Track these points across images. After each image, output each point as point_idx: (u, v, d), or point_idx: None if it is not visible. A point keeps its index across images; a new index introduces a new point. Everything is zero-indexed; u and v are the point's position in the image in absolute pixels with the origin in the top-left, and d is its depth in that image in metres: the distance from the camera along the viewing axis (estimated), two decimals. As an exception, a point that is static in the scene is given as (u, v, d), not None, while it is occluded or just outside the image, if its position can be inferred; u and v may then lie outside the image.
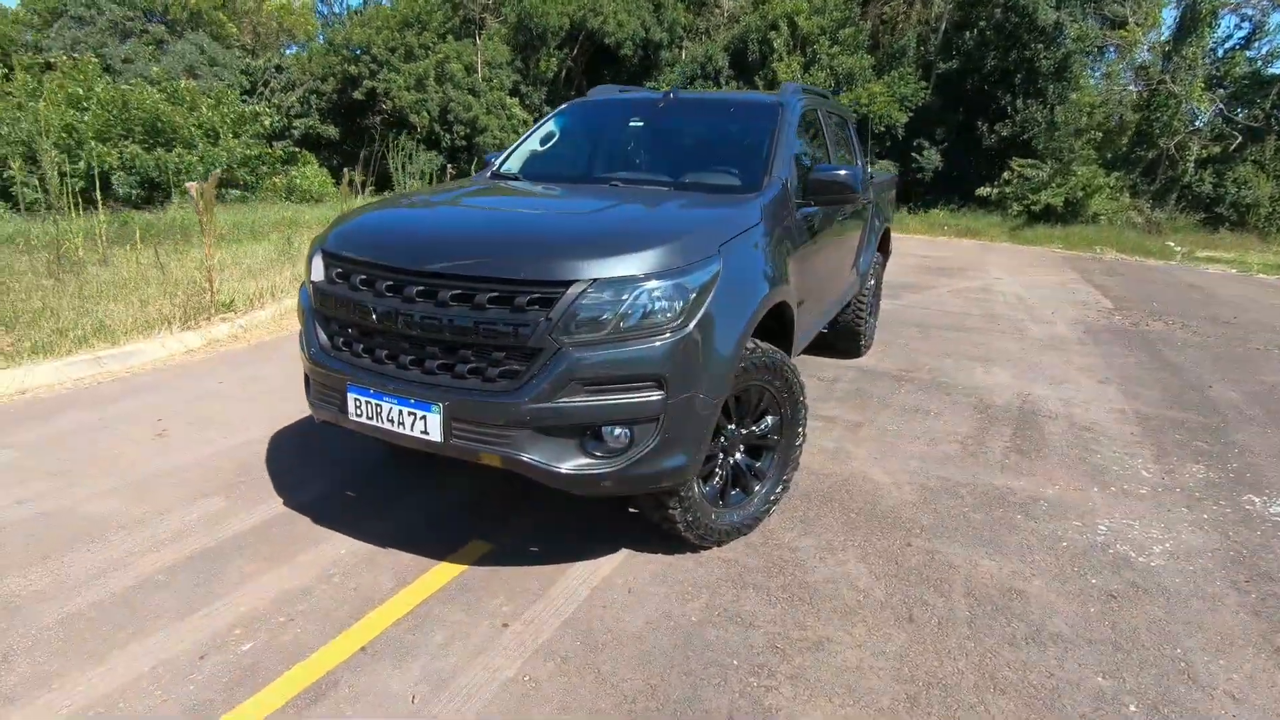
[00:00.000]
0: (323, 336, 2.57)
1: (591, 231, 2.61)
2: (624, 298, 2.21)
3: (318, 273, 2.60)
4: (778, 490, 3.00)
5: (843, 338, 5.34)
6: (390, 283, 2.35)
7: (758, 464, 2.97)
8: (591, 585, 2.58)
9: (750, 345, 2.64)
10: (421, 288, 2.30)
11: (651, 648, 2.27)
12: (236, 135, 13.24)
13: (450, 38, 23.27)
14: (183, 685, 2.05)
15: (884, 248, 5.96)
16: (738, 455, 2.87)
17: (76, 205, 7.69)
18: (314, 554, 2.71)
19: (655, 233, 2.45)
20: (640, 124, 3.87)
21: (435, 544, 2.79)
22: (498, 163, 3.82)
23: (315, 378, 2.60)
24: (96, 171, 9.76)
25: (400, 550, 2.75)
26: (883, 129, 16.45)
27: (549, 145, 3.89)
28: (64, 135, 10.73)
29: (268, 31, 20.60)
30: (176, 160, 11.38)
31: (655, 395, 2.26)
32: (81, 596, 2.42)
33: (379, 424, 2.37)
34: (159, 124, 11.68)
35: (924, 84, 16.94)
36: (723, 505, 2.82)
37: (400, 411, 2.32)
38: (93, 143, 10.90)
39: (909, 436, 4.01)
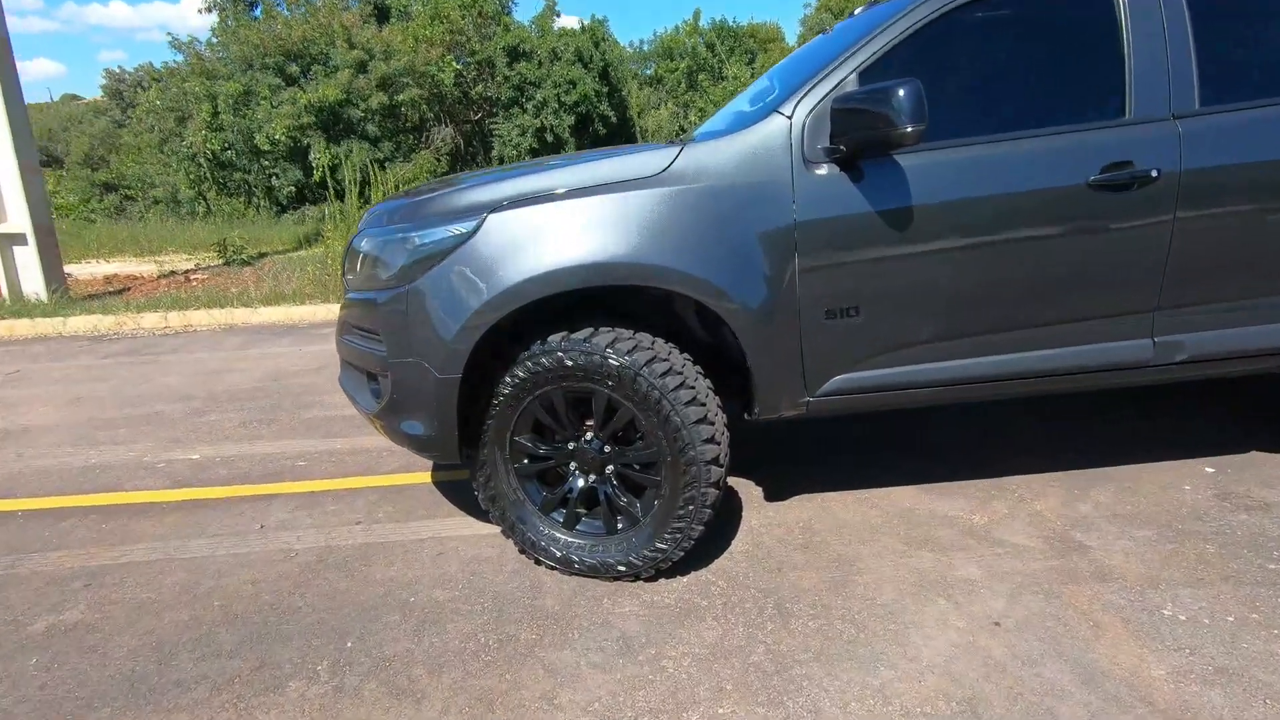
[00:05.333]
0: None
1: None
2: (369, 245, 2.23)
3: None
4: (649, 550, 2.20)
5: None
6: None
7: (637, 503, 2.25)
8: (435, 533, 2.65)
9: (558, 336, 2.08)
10: None
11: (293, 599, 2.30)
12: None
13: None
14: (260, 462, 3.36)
15: None
16: (593, 478, 2.27)
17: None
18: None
19: (430, 190, 2.25)
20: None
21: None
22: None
23: None
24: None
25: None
26: None
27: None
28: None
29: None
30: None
31: (380, 349, 2.19)
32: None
33: None
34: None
35: None
36: (560, 524, 2.31)
37: None
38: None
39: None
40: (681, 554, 2.21)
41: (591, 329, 2.12)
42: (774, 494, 2.84)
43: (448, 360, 2.07)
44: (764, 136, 2.10)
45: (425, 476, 3.15)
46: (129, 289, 8.28)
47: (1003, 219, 2.14)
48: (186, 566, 2.51)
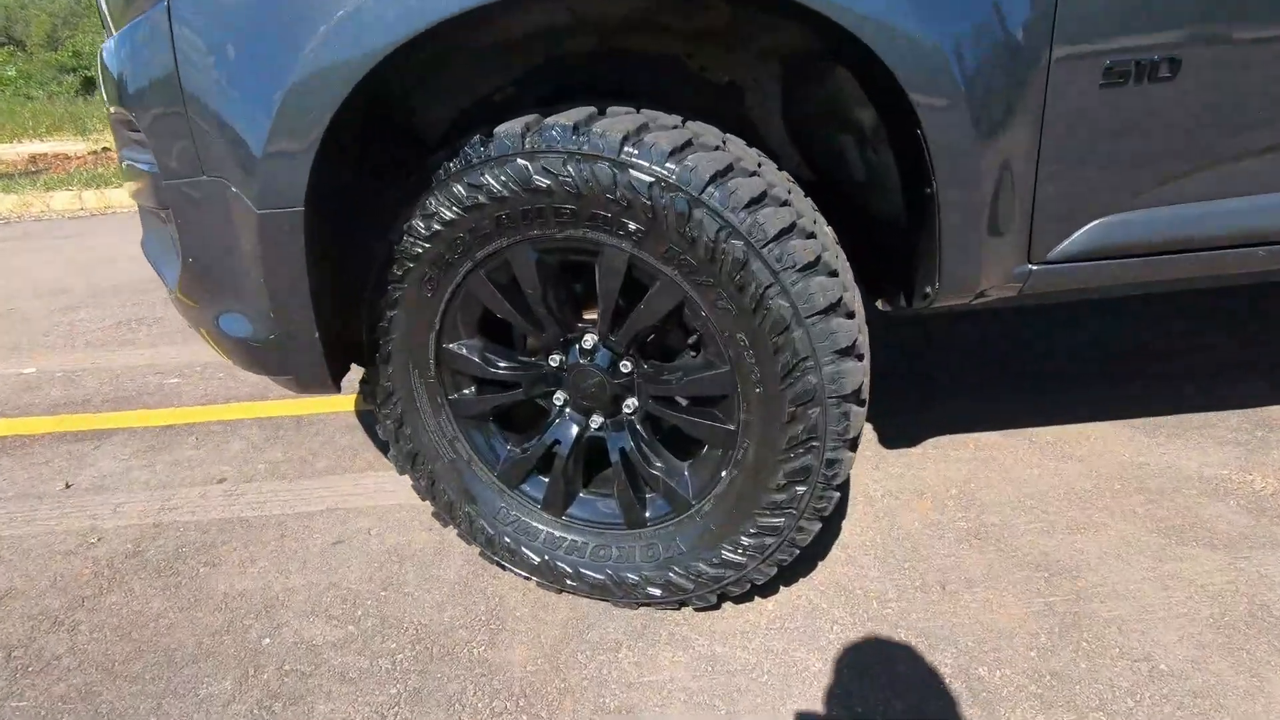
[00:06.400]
0: None
1: None
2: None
3: None
4: (708, 563, 1.13)
5: None
6: None
7: (685, 471, 1.16)
8: (338, 501, 1.59)
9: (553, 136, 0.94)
10: None
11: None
12: None
13: None
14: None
15: None
16: (599, 423, 1.17)
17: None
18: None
19: None
20: None
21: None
22: None
23: None
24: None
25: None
26: None
27: None
28: None
29: None
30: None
31: (147, 160, 1.04)
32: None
33: None
34: None
35: None
36: (540, 505, 1.24)
37: None
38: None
39: None
40: (772, 572, 1.14)
41: (591, 108, 0.96)
42: (893, 435, 1.75)
43: (272, 176, 0.93)
44: None
45: (347, 403, 2.08)
46: (50, 168, 7.00)
47: None
48: (-89, 562, 1.48)
